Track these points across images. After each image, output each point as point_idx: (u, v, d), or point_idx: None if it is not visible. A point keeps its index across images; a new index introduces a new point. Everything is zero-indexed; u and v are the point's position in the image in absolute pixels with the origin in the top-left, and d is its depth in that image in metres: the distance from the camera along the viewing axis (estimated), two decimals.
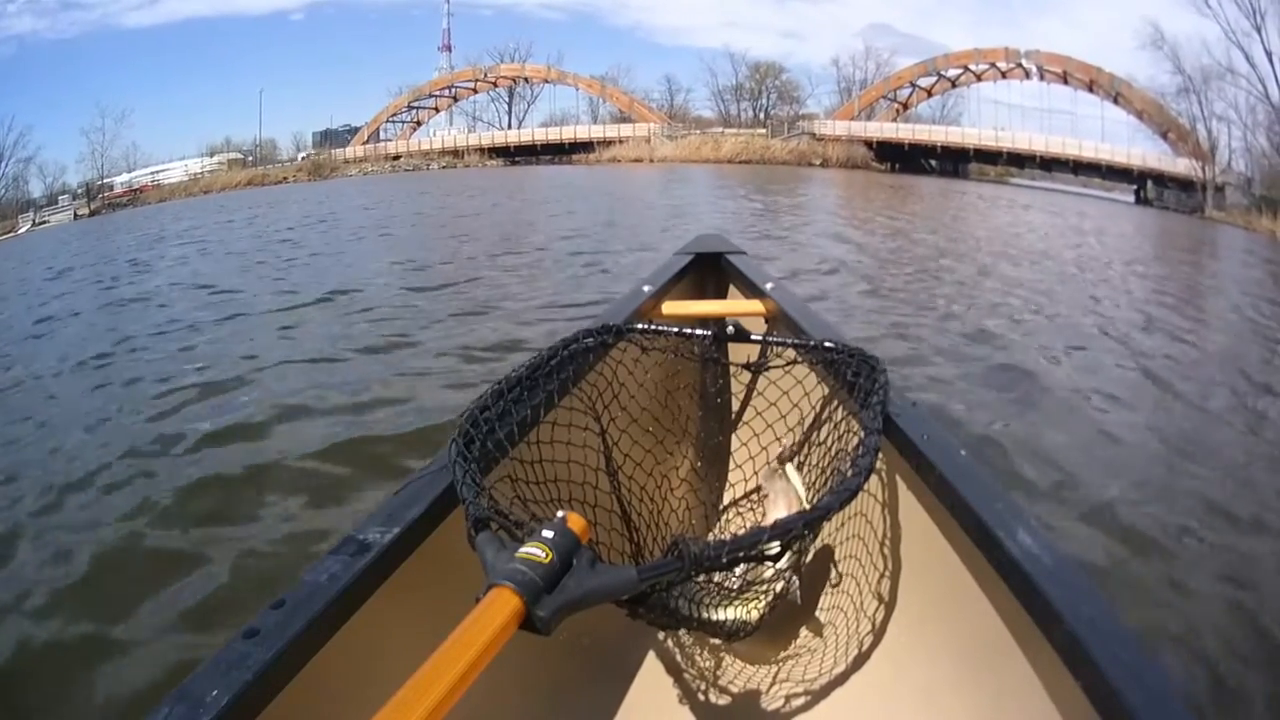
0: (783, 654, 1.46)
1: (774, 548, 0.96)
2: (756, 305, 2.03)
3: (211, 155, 39.61)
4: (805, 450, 1.63)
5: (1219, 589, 2.55)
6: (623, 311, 1.83)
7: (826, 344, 1.54)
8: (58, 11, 49.52)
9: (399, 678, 0.72)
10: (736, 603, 1.27)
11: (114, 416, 4.30)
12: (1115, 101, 32.52)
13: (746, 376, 1.89)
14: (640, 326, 1.66)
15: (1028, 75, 35.37)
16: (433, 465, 1.20)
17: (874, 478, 1.39)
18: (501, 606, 0.79)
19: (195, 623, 2.29)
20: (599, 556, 0.89)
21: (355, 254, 10.08)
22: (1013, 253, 10.81)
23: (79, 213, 31.81)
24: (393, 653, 0.97)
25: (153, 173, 37.04)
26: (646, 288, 2.00)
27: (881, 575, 1.39)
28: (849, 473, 1.10)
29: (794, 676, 1.39)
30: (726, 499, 1.90)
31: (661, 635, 1.48)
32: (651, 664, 1.46)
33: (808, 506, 1.36)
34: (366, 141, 41.01)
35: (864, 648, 1.36)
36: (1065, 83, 34.41)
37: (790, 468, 1.62)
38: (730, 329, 1.76)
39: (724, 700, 1.39)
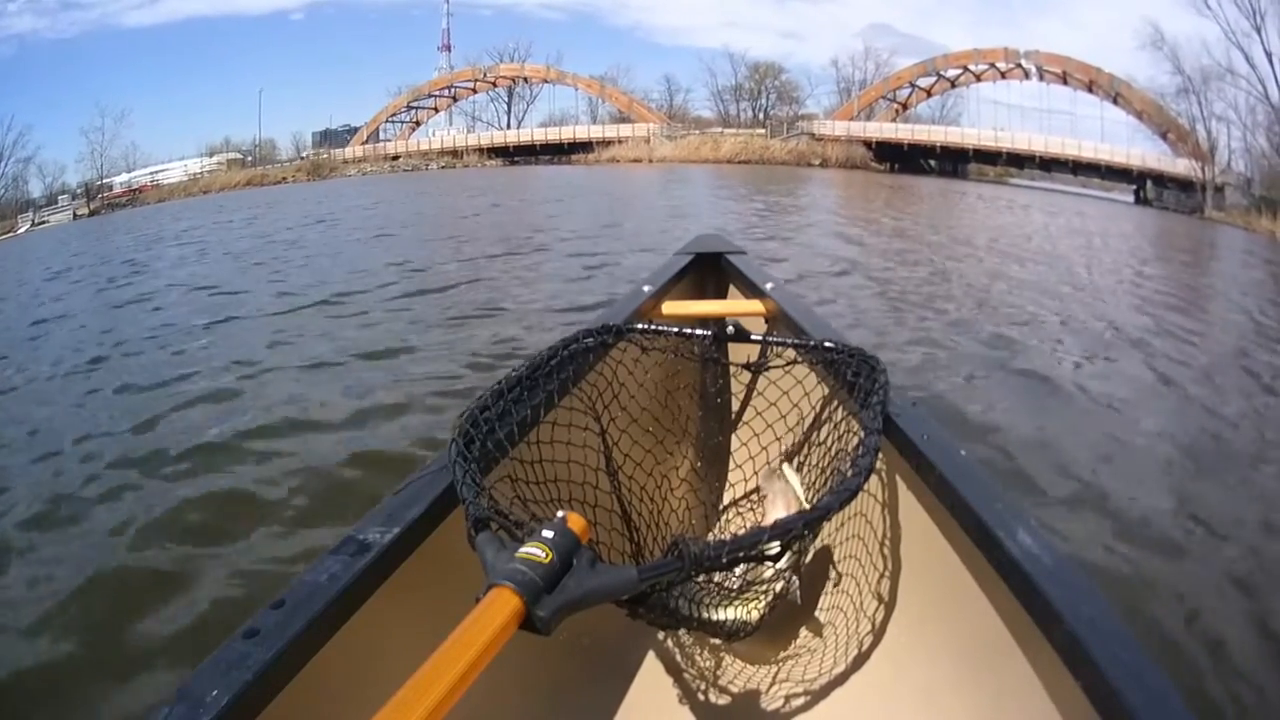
0: (783, 654, 1.46)
1: (774, 548, 0.96)
2: (756, 305, 2.03)
3: (211, 155, 39.60)
4: (805, 450, 1.63)
5: (1229, 590, 2.56)
6: (623, 311, 1.83)
7: (826, 344, 1.54)
8: (58, 11, 49.67)
9: (399, 678, 0.72)
10: (736, 603, 1.27)
11: (104, 424, 4.21)
12: (1115, 102, 32.52)
13: (746, 376, 1.89)
14: (640, 326, 1.66)
15: (1027, 75, 35.38)
16: (433, 465, 1.20)
17: (874, 478, 1.39)
18: (501, 606, 0.79)
19: (179, 644, 2.24)
20: (599, 556, 0.89)
21: (354, 256, 10.00)
22: (1018, 253, 10.81)
23: (78, 213, 31.81)
24: (393, 653, 0.97)
25: (152, 173, 37.03)
26: (646, 288, 2.00)
27: (881, 575, 1.39)
28: (849, 473, 1.10)
29: (794, 676, 1.39)
30: (726, 499, 1.89)
31: (661, 635, 1.48)
32: (651, 664, 1.46)
33: (807, 506, 1.36)
34: (366, 142, 41.00)
35: (864, 648, 1.36)
36: (1065, 83, 34.42)
37: (790, 468, 1.62)
38: (730, 329, 1.76)
39: (724, 700, 1.39)
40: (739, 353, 1.82)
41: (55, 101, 49.77)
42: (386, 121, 42.04)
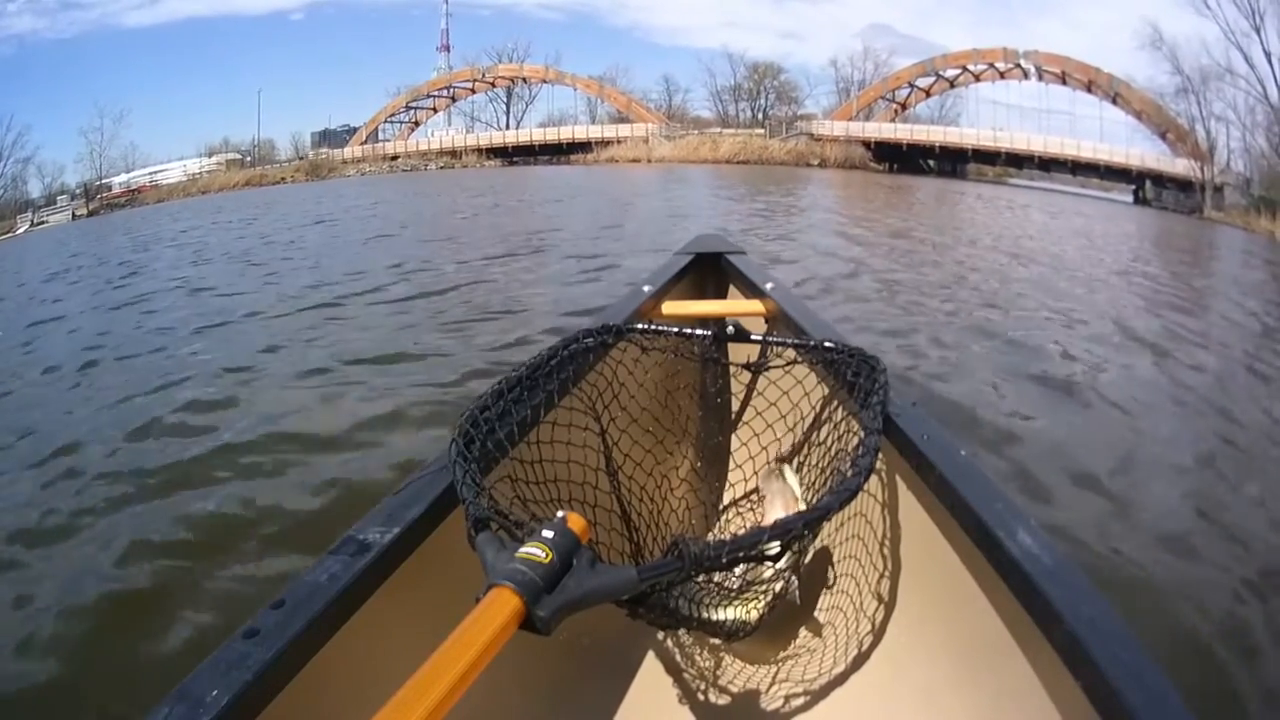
0: (783, 654, 1.46)
1: (774, 548, 0.96)
2: (756, 305, 2.03)
3: (210, 156, 39.59)
4: (805, 450, 1.63)
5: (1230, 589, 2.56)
6: (623, 311, 1.83)
7: (826, 344, 1.54)
8: (57, 11, 49.52)
9: (399, 678, 0.72)
10: (736, 603, 1.27)
11: (93, 432, 4.07)
12: (1114, 102, 32.53)
13: (746, 376, 1.89)
14: (640, 326, 1.66)
15: (1026, 75, 35.38)
16: (433, 465, 1.20)
17: (874, 478, 1.39)
18: (501, 606, 0.80)
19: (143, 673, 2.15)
20: (599, 556, 0.89)
21: (353, 258, 9.91)
22: (1021, 254, 10.80)
23: (77, 213, 31.79)
24: (393, 653, 0.97)
25: (151, 173, 37.02)
26: (646, 288, 2.01)
27: (881, 575, 1.39)
28: (849, 473, 1.10)
29: (794, 676, 1.39)
30: (726, 499, 1.90)
31: (661, 635, 1.48)
32: (651, 664, 1.46)
33: (807, 507, 1.36)
34: (365, 142, 40.99)
35: (864, 648, 1.36)
36: (1064, 83, 34.42)
37: (789, 468, 1.62)
38: (730, 329, 1.77)
39: (724, 700, 1.39)
40: (739, 353, 1.82)
41: (54, 102, 49.81)
42: (385, 122, 42.04)
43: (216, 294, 8.05)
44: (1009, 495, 1.14)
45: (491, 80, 42.44)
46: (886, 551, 1.39)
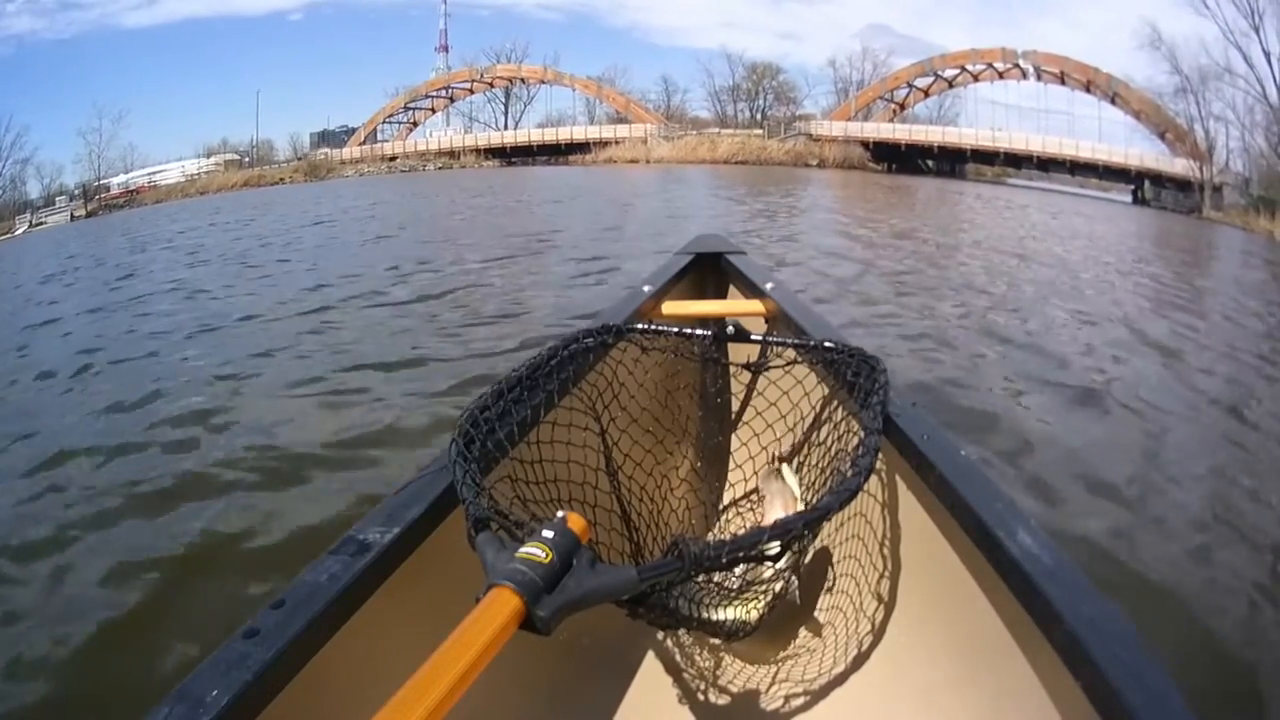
0: (782, 654, 1.46)
1: (774, 548, 0.96)
2: (756, 305, 2.03)
3: (208, 156, 39.60)
4: (805, 450, 1.63)
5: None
6: (623, 311, 1.83)
7: (826, 344, 1.54)
8: (56, 11, 49.42)
9: (399, 678, 0.72)
10: (736, 603, 1.28)
11: (82, 442, 3.93)
12: (1113, 102, 32.56)
13: (746, 376, 1.89)
14: (640, 326, 1.66)
15: (1025, 75, 35.42)
16: (433, 465, 1.20)
17: (874, 478, 1.39)
18: (501, 606, 0.79)
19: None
20: (599, 556, 0.89)
21: (352, 261, 9.87)
22: (1027, 255, 10.83)
23: (76, 214, 31.77)
24: (393, 653, 0.97)
25: (150, 174, 37.03)
26: (646, 288, 2.01)
27: (881, 575, 1.39)
28: (849, 473, 1.10)
29: (794, 676, 1.39)
30: (726, 499, 1.90)
31: (661, 635, 1.48)
32: (651, 664, 1.46)
33: (807, 507, 1.36)
34: (363, 142, 40.99)
35: (864, 648, 1.36)
36: (1062, 83, 34.44)
37: (789, 468, 1.62)
38: (730, 329, 1.76)
39: (724, 700, 1.39)
40: (739, 353, 1.82)
41: (53, 102, 49.59)
42: (384, 122, 42.05)
43: (212, 298, 7.98)
44: (1009, 495, 1.14)
45: (490, 81, 42.45)
46: (886, 551, 1.39)
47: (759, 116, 40.68)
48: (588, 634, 1.29)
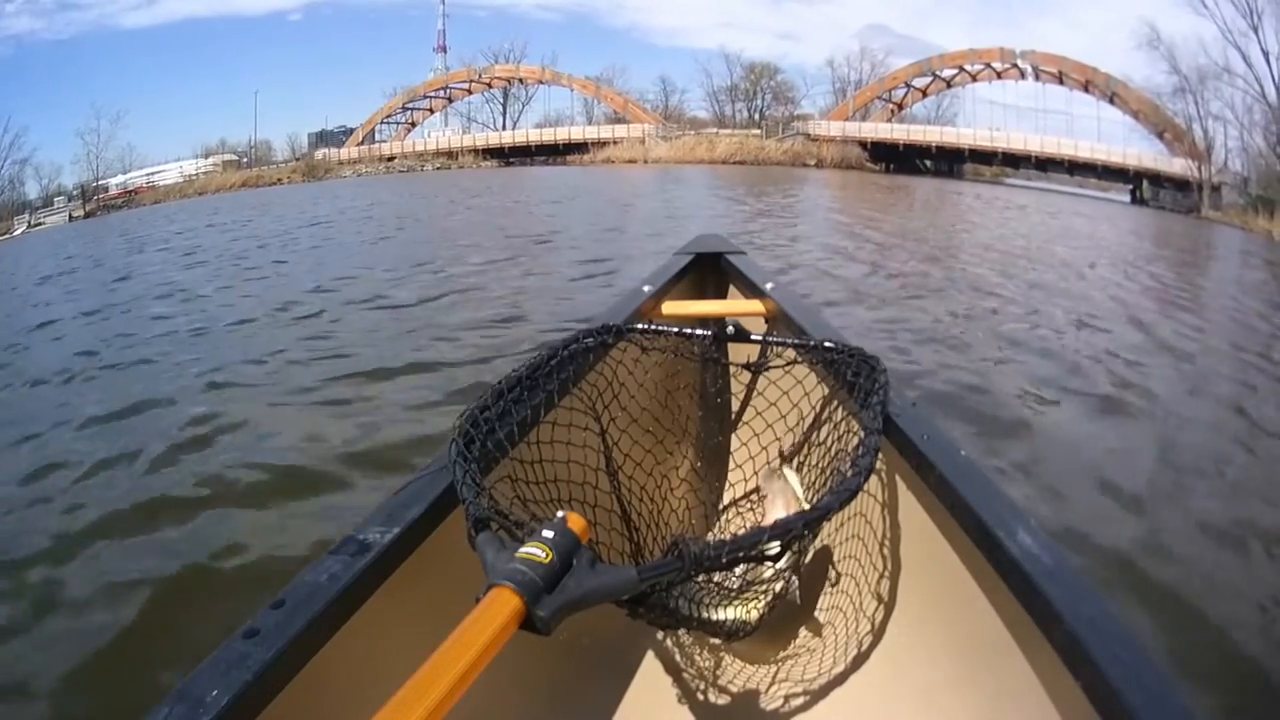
0: (783, 654, 1.46)
1: (774, 548, 0.96)
2: (756, 305, 2.03)
3: (207, 157, 39.60)
4: (805, 450, 1.63)
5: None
6: (623, 311, 1.83)
7: (826, 344, 1.54)
8: (55, 12, 49.28)
9: (399, 678, 0.72)
10: (736, 603, 1.27)
11: (70, 453, 3.83)
12: (1111, 101, 32.59)
13: (746, 376, 1.89)
14: (640, 326, 1.66)
15: (1023, 75, 35.45)
16: (433, 465, 1.20)
17: (874, 478, 1.39)
18: (501, 606, 0.79)
19: None
20: (599, 556, 0.89)
21: (351, 262, 9.81)
22: (1031, 256, 10.86)
23: (74, 215, 31.72)
24: (393, 653, 0.97)
25: (148, 174, 36.99)
26: (646, 288, 2.01)
27: (881, 575, 1.39)
28: (849, 473, 1.10)
29: (794, 676, 1.39)
30: (726, 499, 1.89)
31: (661, 635, 1.48)
32: (651, 664, 1.46)
33: (807, 507, 1.36)
34: (361, 143, 40.98)
35: (864, 648, 1.36)
36: (1061, 83, 34.49)
37: (790, 468, 1.62)
38: (730, 329, 1.76)
39: (724, 700, 1.39)
40: (739, 353, 1.82)
41: (52, 103, 49.67)
42: (382, 123, 42.04)
43: (209, 300, 7.92)
44: (1009, 495, 1.14)
45: (488, 81, 42.45)
46: (886, 551, 1.39)
47: (757, 116, 40.73)
48: (588, 634, 1.29)
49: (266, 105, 66.39)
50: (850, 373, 1.44)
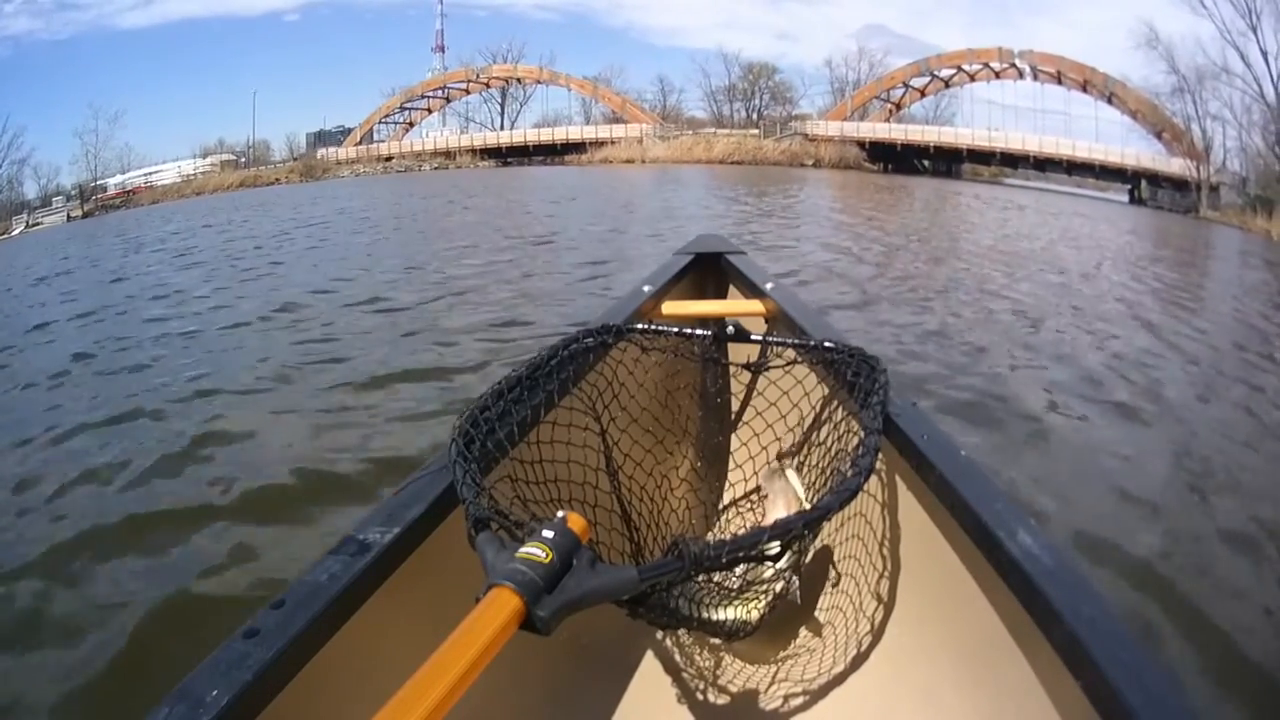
0: (783, 654, 1.46)
1: (774, 548, 0.96)
2: (756, 305, 2.03)
3: (205, 157, 39.64)
4: (805, 450, 1.63)
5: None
6: (623, 311, 1.83)
7: (826, 344, 1.54)
8: (53, 12, 49.50)
9: (399, 678, 0.72)
10: (736, 603, 1.27)
11: (58, 463, 3.72)
12: (1109, 101, 32.64)
13: (746, 376, 1.89)
14: (640, 326, 1.66)
15: (1021, 75, 35.50)
16: (433, 465, 1.20)
17: (874, 478, 1.39)
18: (501, 606, 0.79)
19: None
20: (599, 556, 0.88)
21: (350, 264, 9.73)
22: (1035, 256, 10.87)
23: (72, 215, 31.68)
24: (393, 653, 0.97)
25: (146, 174, 37.02)
26: (646, 288, 2.01)
27: (881, 575, 1.39)
28: (849, 473, 1.10)
29: (794, 676, 1.39)
30: (726, 499, 1.89)
31: (661, 635, 1.48)
32: (651, 664, 1.46)
33: (807, 506, 1.36)
34: (359, 142, 40.97)
35: (864, 648, 1.36)
36: (1059, 83, 34.53)
37: (790, 468, 1.62)
38: (730, 329, 1.76)
39: (724, 700, 1.38)
40: (739, 353, 1.82)
41: (50, 103, 49.71)
42: (380, 122, 42.07)
43: (206, 302, 7.84)
44: (1009, 495, 1.14)
45: (486, 81, 42.47)
46: (886, 551, 1.39)
47: (755, 116, 40.79)
48: (588, 634, 1.29)
49: (264, 105, 66.70)
50: (850, 373, 1.44)
